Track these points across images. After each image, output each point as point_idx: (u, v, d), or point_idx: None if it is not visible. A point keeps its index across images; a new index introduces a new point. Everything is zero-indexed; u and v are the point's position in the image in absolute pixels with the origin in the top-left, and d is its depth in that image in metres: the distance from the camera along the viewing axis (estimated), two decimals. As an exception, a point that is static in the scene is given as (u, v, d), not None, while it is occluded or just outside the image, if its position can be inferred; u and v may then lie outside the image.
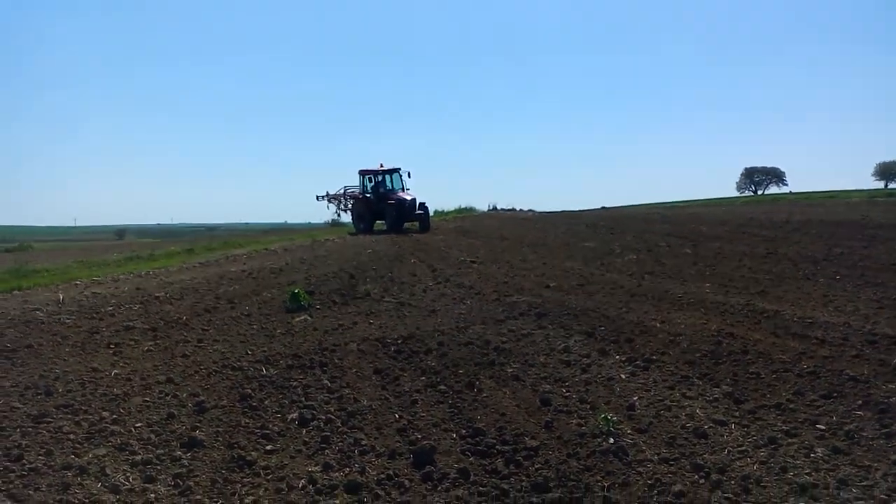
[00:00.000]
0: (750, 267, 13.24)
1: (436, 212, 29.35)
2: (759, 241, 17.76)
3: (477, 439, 5.09)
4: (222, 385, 6.65)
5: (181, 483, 4.50)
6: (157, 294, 12.20)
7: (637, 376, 6.43)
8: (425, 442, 4.98)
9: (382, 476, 4.56)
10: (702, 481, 4.22)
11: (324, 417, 5.66)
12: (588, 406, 5.69)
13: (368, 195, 29.24)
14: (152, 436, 5.33)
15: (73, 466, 4.69)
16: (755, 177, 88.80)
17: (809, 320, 8.16)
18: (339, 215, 32.93)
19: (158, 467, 4.76)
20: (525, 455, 4.76)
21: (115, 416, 5.73)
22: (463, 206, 43.73)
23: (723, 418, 5.19)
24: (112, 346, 8.31)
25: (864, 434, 4.67)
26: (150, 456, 4.91)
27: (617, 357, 7.12)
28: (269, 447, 5.12)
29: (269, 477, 4.63)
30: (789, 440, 4.70)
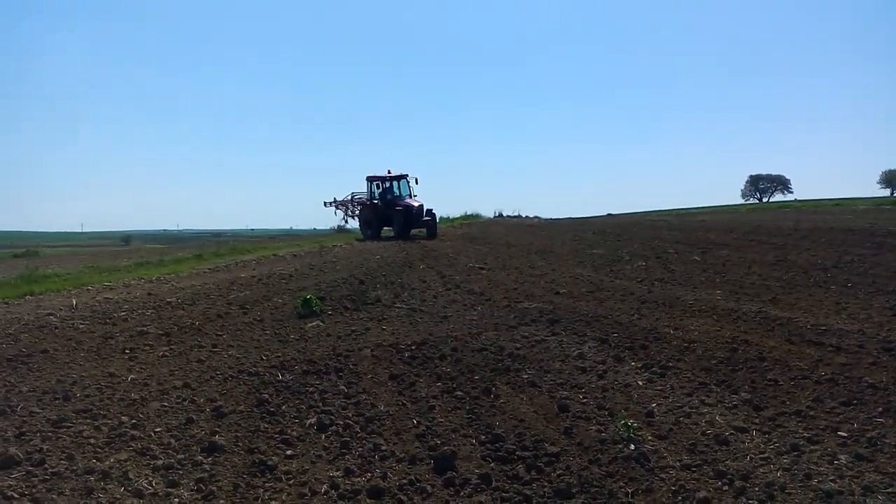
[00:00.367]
0: (760, 274, 13.22)
1: (442, 218, 29.44)
2: (768, 248, 17.74)
3: (497, 445, 5.09)
4: (239, 390, 6.66)
5: (204, 488, 4.51)
6: (169, 299, 12.23)
7: (654, 383, 6.42)
8: (446, 447, 4.99)
9: (404, 481, 4.57)
10: (725, 488, 4.22)
11: (342, 423, 5.67)
12: (606, 412, 5.69)
13: (376, 201, 29.27)
14: (172, 440, 5.34)
15: (95, 471, 4.71)
16: (760, 184, 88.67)
17: (823, 328, 8.15)
18: (346, 221, 33.02)
19: (180, 472, 4.77)
20: (546, 461, 4.76)
21: (134, 421, 5.74)
22: (469, 213, 43.81)
23: (743, 425, 5.19)
24: (127, 351, 8.33)
25: (887, 441, 4.67)
26: (172, 461, 4.93)
27: (632, 364, 7.12)
28: (289, 452, 5.13)
29: (290, 482, 4.64)
30: (812, 447, 4.69)
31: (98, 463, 4.86)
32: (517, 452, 4.93)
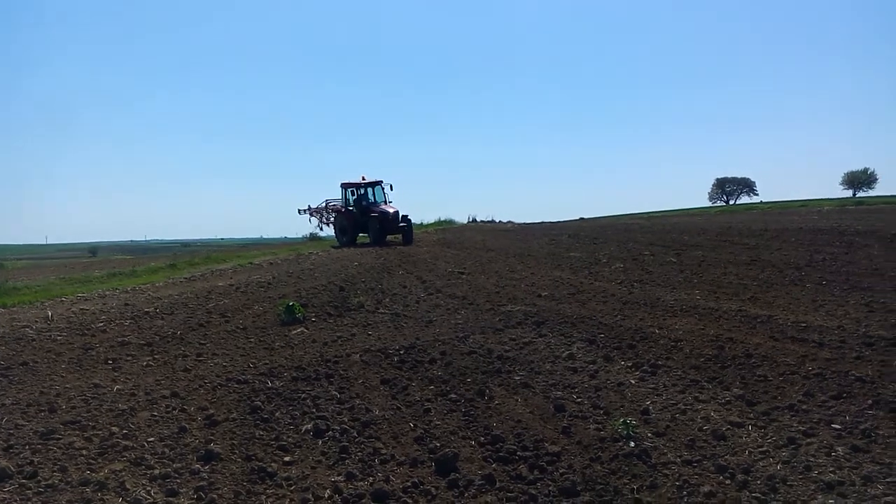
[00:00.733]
0: (736, 274, 13.44)
1: (415, 224, 29.28)
2: (741, 248, 18.05)
3: (497, 446, 5.10)
4: (229, 398, 6.58)
5: (204, 496, 4.44)
6: (146, 309, 12.04)
7: (646, 381, 6.49)
8: (447, 449, 4.98)
9: (408, 484, 4.55)
10: (728, 482, 4.27)
11: (338, 428, 5.62)
12: (602, 411, 5.73)
13: (351, 208, 29.12)
14: (166, 450, 5.25)
15: (90, 482, 4.61)
16: (727, 187, 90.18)
17: (804, 324, 8.32)
18: (321, 228, 32.75)
19: (178, 481, 4.69)
20: (548, 460, 4.78)
21: (125, 432, 5.63)
22: (442, 219, 43.80)
23: (738, 420, 5.27)
24: (110, 362, 8.18)
25: (881, 433, 4.77)
26: (168, 470, 4.84)
27: (622, 363, 7.19)
28: (287, 458, 5.08)
29: (292, 488, 4.59)
30: (808, 440, 4.78)
31: (92, 474, 4.76)
32: (518, 453, 4.94)
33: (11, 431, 5.66)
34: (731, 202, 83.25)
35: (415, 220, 28.95)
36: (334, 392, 6.63)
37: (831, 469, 4.29)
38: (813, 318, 8.68)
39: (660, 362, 7.05)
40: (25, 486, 4.56)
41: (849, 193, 73.78)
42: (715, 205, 77.65)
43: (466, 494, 4.42)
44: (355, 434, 5.51)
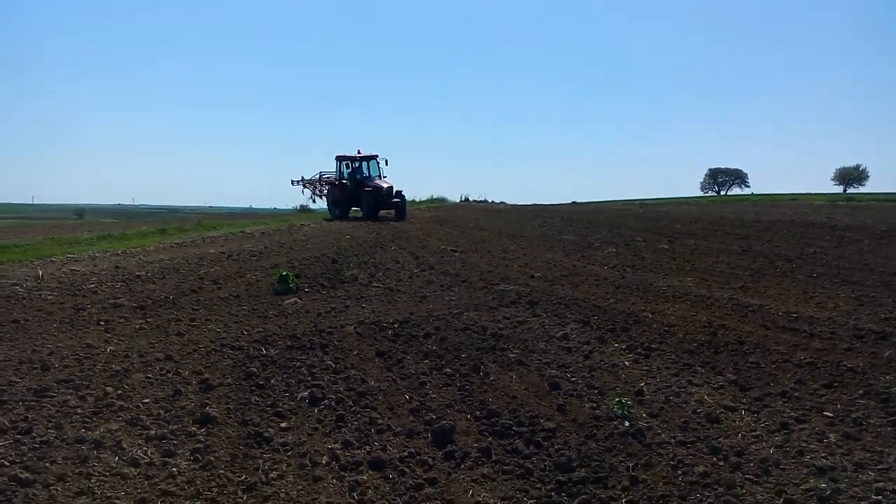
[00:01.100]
0: (728, 263, 13.53)
1: (408, 201, 29.14)
2: (733, 238, 18.16)
3: (493, 420, 5.14)
4: (224, 364, 6.57)
5: (201, 458, 4.46)
6: (138, 273, 11.96)
7: (640, 364, 6.54)
8: (444, 421, 5.01)
9: (405, 454, 4.58)
10: (721, 463, 4.34)
11: (334, 397, 5.64)
12: (596, 391, 5.78)
13: (345, 181, 28.97)
14: (162, 412, 5.25)
15: (86, 440, 4.61)
16: (719, 177, 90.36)
17: (795, 315, 8.40)
18: (314, 200, 32.52)
19: (175, 442, 4.70)
20: (543, 436, 4.82)
21: (119, 392, 5.62)
22: (435, 196, 43.70)
23: (732, 404, 5.33)
24: (102, 323, 8.13)
25: (872, 421, 4.85)
26: (165, 431, 4.85)
27: (616, 345, 7.24)
28: (283, 425, 5.09)
29: (289, 453, 4.61)
30: (800, 426, 4.85)
31: (88, 432, 4.76)
32: (513, 428, 4.99)
33: (4, 388, 5.63)
34: (723, 193, 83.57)
35: (407, 196, 28.79)
36: (329, 362, 6.64)
37: (823, 455, 4.36)
38: (804, 309, 8.77)
39: (653, 346, 7.11)
40: (20, 442, 4.56)
41: (840, 189, 74.17)
42: (706, 195, 77.90)
43: (463, 466, 4.46)
44: (351, 403, 5.53)
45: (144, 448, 4.58)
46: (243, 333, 7.72)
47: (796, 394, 5.51)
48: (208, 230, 22.49)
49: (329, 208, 29.86)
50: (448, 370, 6.41)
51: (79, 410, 5.18)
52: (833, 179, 79.77)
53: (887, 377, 5.75)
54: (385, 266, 13.34)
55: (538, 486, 4.21)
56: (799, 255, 14.54)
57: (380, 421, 5.16)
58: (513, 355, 6.89)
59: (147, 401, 5.46)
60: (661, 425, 4.99)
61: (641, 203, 47.23)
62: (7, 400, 5.33)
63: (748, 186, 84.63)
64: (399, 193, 27.69)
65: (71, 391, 5.61)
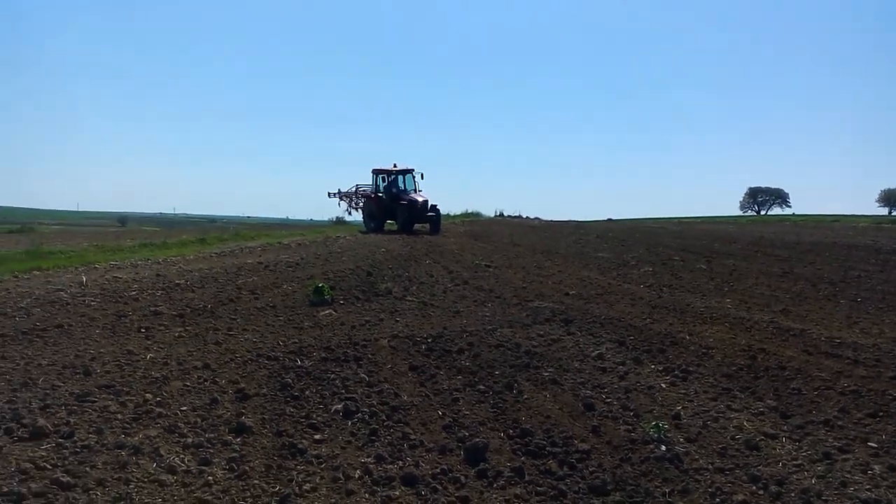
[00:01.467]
0: (768, 285, 13.29)
1: (443, 215, 29.23)
2: (774, 260, 17.84)
3: (526, 440, 5.09)
4: (260, 374, 6.64)
5: (236, 467, 4.49)
6: (177, 281, 12.19)
7: (677, 386, 6.44)
8: (477, 439, 4.98)
9: (437, 471, 4.56)
10: (761, 492, 4.23)
11: (367, 410, 5.65)
12: (632, 413, 5.70)
13: (381, 194, 29.22)
14: (199, 420, 5.32)
15: (125, 446, 4.69)
16: (759, 197, 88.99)
17: (838, 340, 8.20)
18: (349, 213, 32.88)
19: (211, 451, 4.75)
20: (577, 458, 4.76)
21: (158, 399, 5.72)
22: (470, 211, 43.84)
23: (772, 431, 5.20)
24: (143, 330, 8.30)
25: (919, 454, 4.69)
26: (201, 439, 4.91)
27: (652, 366, 7.14)
28: (317, 437, 5.11)
29: (322, 465, 4.62)
30: (843, 456, 4.71)
31: (127, 438, 4.84)
32: (547, 448, 4.93)
33: (48, 392, 5.78)
34: (763, 212, 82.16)
35: (442, 210, 28.89)
36: (363, 375, 6.67)
37: (867, 486, 4.23)
38: (847, 335, 8.55)
39: (691, 368, 6.99)
40: (62, 446, 4.66)
41: (885, 211, 72.39)
42: (746, 214, 76.67)
43: (495, 485, 4.42)
44: (384, 418, 5.54)
45: (181, 455, 4.64)
46: (279, 344, 7.80)
47: (839, 422, 5.36)
48: (246, 240, 22.86)
49: (364, 221, 30.14)
50: (481, 387, 6.39)
51: (119, 416, 5.27)
52: (878, 201, 78.07)
53: (935, 408, 5.56)
54: (419, 280, 13.40)
55: (572, 508, 4.16)
56: (842, 278, 14.21)
57: (412, 436, 5.15)
58: (547, 374, 6.83)
59: (185, 408, 5.55)
60: (699, 451, 4.90)
61: (679, 221, 46.66)
62: (50, 404, 5.47)
63: (789, 206, 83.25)
64: (434, 207, 27.84)
65: (112, 397, 5.73)
